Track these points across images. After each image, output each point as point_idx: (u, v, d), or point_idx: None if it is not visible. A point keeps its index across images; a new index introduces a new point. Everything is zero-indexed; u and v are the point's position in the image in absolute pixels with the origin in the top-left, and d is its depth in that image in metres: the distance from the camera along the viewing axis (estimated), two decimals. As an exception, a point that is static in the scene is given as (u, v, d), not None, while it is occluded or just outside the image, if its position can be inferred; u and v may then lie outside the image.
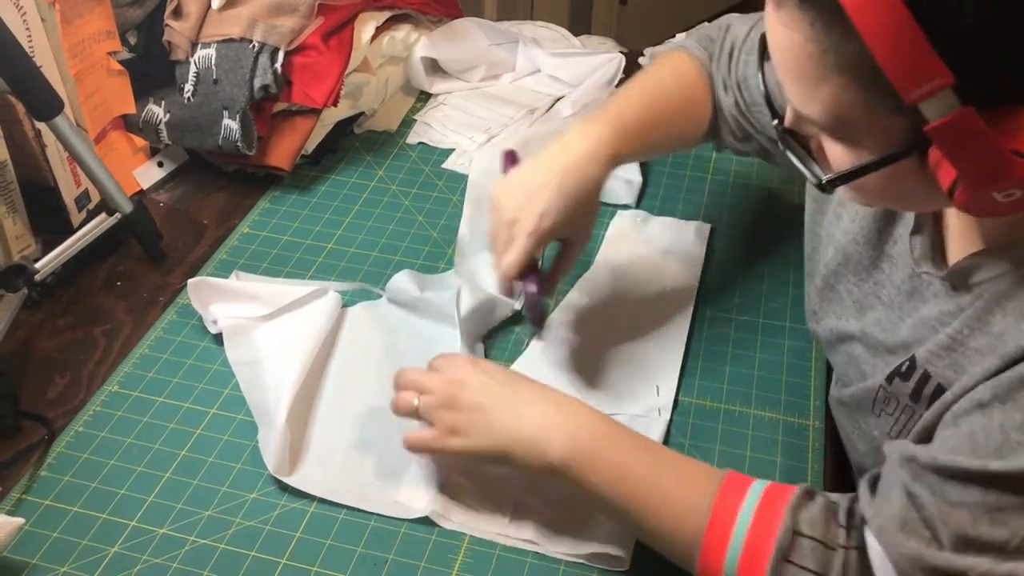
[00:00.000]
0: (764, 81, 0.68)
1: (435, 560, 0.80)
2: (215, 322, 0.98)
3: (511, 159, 1.00)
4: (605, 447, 0.75)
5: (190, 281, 0.99)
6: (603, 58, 1.34)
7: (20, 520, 0.78)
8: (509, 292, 0.99)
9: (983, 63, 0.53)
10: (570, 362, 0.97)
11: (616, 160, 0.93)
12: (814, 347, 0.99)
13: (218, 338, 0.98)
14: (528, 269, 0.92)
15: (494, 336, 1.01)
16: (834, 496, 0.71)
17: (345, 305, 1.02)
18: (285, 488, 0.85)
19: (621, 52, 1.33)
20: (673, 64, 1.01)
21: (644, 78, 1.00)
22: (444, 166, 1.24)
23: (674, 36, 1.43)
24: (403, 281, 1.02)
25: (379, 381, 0.94)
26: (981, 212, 0.60)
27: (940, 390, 0.69)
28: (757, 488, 0.72)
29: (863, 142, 0.61)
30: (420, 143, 1.29)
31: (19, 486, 0.85)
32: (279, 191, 1.20)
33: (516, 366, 0.96)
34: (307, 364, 0.92)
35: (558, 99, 1.34)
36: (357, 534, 0.82)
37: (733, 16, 1.02)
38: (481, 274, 1.04)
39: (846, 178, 0.63)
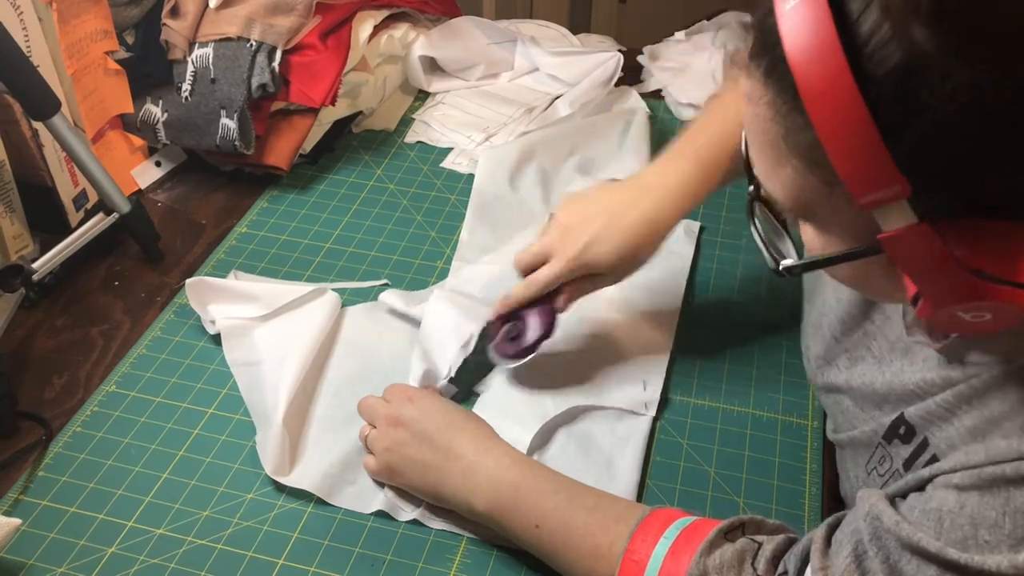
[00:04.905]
0: (745, 145, 0.61)
1: (433, 560, 0.80)
2: (213, 322, 0.98)
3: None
4: (526, 497, 0.77)
5: (188, 281, 0.99)
6: (601, 56, 1.33)
7: (17, 521, 0.78)
8: (499, 323, 0.92)
9: (945, 175, 0.47)
10: (557, 357, 0.96)
11: (695, 204, 0.88)
12: (813, 346, 0.99)
13: (216, 338, 0.98)
14: (545, 296, 0.89)
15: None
16: (761, 536, 0.68)
17: (344, 305, 1.02)
18: (283, 488, 0.85)
19: (620, 51, 1.33)
20: (736, 89, 0.94)
21: (712, 106, 0.94)
22: (442, 165, 1.24)
23: (672, 35, 1.44)
24: (390, 299, 1.01)
25: (378, 381, 0.94)
26: (948, 329, 0.54)
27: (935, 460, 0.63)
28: (674, 529, 0.70)
29: (830, 229, 0.56)
30: (418, 142, 1.29)
31: (16, 486, 0.85)
32: (277, 191, 1.20)
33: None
34: (305, 365, 0.92)
35: (556, 98, 1.33)
36: (355, 534, 0.82)
37: None
38: (475, 283, 1.04)
39: (807, 267, 0.58)
